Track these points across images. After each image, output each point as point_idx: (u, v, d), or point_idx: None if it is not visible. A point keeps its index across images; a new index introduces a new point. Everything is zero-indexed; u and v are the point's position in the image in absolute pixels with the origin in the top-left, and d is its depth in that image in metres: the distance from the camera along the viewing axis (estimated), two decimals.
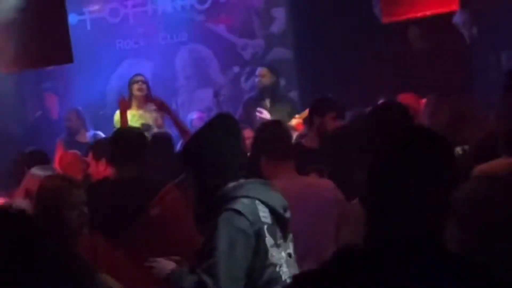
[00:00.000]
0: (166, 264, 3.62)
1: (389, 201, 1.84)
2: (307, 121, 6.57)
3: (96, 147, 6.31)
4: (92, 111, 9.99)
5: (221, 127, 3.61)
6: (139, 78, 8.62)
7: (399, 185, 1.83)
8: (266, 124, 5.34)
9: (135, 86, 8.48)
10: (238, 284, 3.41)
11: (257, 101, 9.06)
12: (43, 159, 6.76)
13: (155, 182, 4.66)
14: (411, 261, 1.79)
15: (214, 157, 3.54)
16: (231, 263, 3.38)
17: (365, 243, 1.88)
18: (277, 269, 3.51)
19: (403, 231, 1.82)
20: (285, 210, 3.63)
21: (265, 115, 8.38)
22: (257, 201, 3.51)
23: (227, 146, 3.56)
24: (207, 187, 3.54)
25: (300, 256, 4.36)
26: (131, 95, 8.47)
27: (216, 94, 9.08)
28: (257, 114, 8.48)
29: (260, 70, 9.24)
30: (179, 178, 4.54)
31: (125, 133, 5.03)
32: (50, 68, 9.78)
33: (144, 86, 8.51)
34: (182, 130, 6.52)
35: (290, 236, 3.67)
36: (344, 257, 1.86)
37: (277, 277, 3.50)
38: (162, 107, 7.26)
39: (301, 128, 7.63)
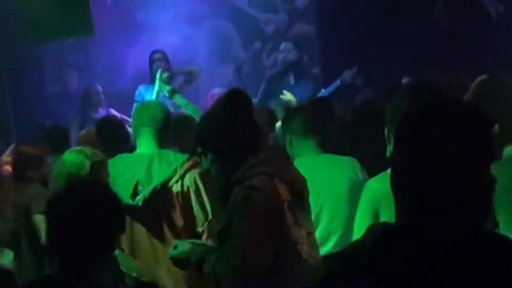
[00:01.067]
0: (182, 247, 3.57)
1: (424, 178, 1.78)
2: None
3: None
4: (112, 85, 9.96)
5: (231, 104, 3.54)
6: (156, 56, 8.57)
7: (435, 162, 1.77)
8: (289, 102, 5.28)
9: (154, 65, 8.45)
10: (265, 263, 3.35)
11: (280, 77, 8.97)
12: (63, 134, 6.75)
13: (177, 157, 4.60)
14: (451, 240, 1.75)
15: (227, 135, 3.47)
16: (257, 242, 3.32)
17: (399, 221, 1.82)
18: (298, 247, 3.45)
19: (440, 209, 1.77)
20: (304, 187, 3.56)
21: (289, 97, 8.25)
22: (276, 178, 3.44)
23: (239, 123, 3.50)
24: (226, 165, 3.48)
25: (321, 235, 4.34)
26: (151, 72, 8.43)
27: (237, 70, 9.00)
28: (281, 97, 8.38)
29: (285, 45, 9.12)
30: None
31: (148, 107, 4.95)
32: (71, 41, 9.77)
33: (162, 64, 8.46)
34: None
35: (310, 214, 3.61)
36: (382, 235, 1.81)
37: (297, 256, 3.44)
38: None
39: None
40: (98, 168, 3.86)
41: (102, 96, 9.20)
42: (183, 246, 3.57)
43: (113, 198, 2.85)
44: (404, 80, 7.49)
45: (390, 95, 5.09)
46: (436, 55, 8.75)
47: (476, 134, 1.79)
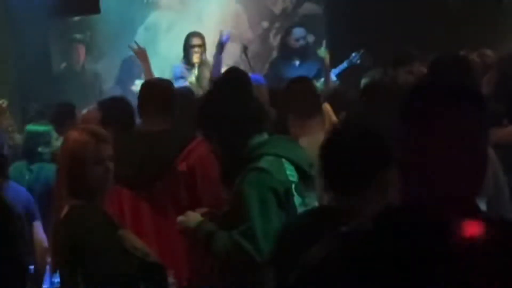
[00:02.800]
0: (193, 217, 3.54)
1: (430, 157, 1.79)
2: None
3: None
4: (119, 63, 9.91)
5: (230, 83, 3.51)
6: (196, 41, 8.56)
7: (439, 141, 1.78)
8: (292, 81, 5.24)
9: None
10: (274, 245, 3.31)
11: (286, 61, 8.93)
12: (69, 111, 6.73)
13: (183, 135, 4.56)
14: (452, 219, 1.74)
15: (229, 115, 3.43)
16: (266, 224, 3.30)
17: (404, 202, 1.82)
18: None
19: (443, 189, 1.78)
20: (310, 167, 3.52)
21: None
22: (283, 159, 3.41)
23: (239, 101, 3.46)
24: (231, 145, 3.44)
25: None
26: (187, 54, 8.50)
27: (244, 49, 8.94)
28: None
29: (299, 31, 9.03)
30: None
31: (155, 85, 4.92)
32: (77, 19, 9.72)
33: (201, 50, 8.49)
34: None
35: (316, 194, 3.57)
36: (383, 215, 1.79)
37: None
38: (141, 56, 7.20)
39: None
40: (103, 147, 3.81)
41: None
42: (194, 217, 3.55)
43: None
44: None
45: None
46: (445, 35, 8.70)
47: (473, 114, 1.81)
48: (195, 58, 8.45)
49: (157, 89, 4.72)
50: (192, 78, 8.13)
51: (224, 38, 7.75)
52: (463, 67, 3.75)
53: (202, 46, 8.56)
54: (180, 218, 3.58)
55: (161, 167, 4.41)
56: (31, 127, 5.97)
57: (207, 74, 8.19)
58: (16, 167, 5.62)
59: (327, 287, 1.74)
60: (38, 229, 4.83)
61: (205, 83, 7.81)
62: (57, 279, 4.29)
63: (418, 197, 1.79)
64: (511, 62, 4.93)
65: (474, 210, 1.80)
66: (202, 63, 8.42)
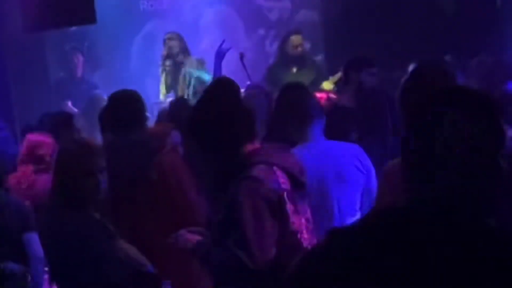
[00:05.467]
0: (190, 236, 3.54)
1: (433, 161, 1.82)
2: (342, 79, 6.54)
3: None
4: (116, 73, 9.93)
5: (220, 92, 3.51)
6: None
7: (444, 146, 1.81)
8: (289, 87, 5.24)
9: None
10: (270, 253, 3.32)
11: (282, 68, 8.94)
12: (66, 120, 6.73)
13: (153, 145, 4.57)
14: (449, 224, 1.76)
15: (219, 123, 3.43)
16: (260, 233, 3.29)
17: (405, 203, 1.85)
18: (298, 236, 3.42)
19: (444, 193, 1.81)
20: (302, 175, 3.53)
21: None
22: (275, 167, 3.41)
23: (230, 110, 3.46)
24: (222, 154, 3.43)
25: (322, 222, 4.31)
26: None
27: (241, 57, 8.94)
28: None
29: (296, 38, 9.06)
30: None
31: (123, 96, 4.93)
32: (73, 29, 9.72)
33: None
34: None
35: (308, 201, 3.58)
36: (383, 215, 1.81)
37: (298, 245, 3.41)
38: None
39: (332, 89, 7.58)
40: (95, 159, 3.85)
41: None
42: (187, 236, 3.54)
43: None
44: (411, 66, 7.47)
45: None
46: (440, 40, 8.70)
47: (487, 122, 1.82)
48: (164, 50, 8.74)
49: (126, 100, 4.75)
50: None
51: (224, 47, 7.79)
52: (444, 76, 3.76)
53: (174, 40, 8.68)
54: (173, 240, 3.57)
55: (133, 177, 4.41)
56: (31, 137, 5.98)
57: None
58: None
59: (323, 283, 1.74)
60: (35, 240, 4.83)
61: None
62: None
63: (422, 197, 1.82)
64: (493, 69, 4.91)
65: (476, 214, 1.81)
66: (176, 56, 8.54)
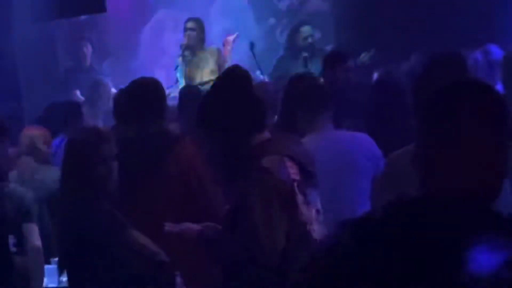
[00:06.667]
0: (192, 225, 3.52)
1: (446, 151, 1.83)
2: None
3: None
4: (125, 62, 9.92)
5: (230, 82, 3.47)
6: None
7: (456, 136, 1.83)
8: (298, 77, 5.22)
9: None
10: (279, 245, 3.30)
11: (293, 58, 8.93)
12: (75, 110, 6.72)
13: (171, 137, 4.50)
14: (466, 213, 1.77)
15: (230, 113, 3.40)
16: (270, 225, 3.27)
17: (421, 194, 1.85)
18: (307, 227, 3.39)
19: (460, 183, 1.82)
20: (312, 165, 3.50)
21: None
22: (285, 158, 3.38)
23: (240, 99, 3.43)
24: (232, 144, 3.41)
25: (332, 212, 4.28)
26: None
27: (251, 47, 8.93)
28: None
29: (307, 29, 9.04)
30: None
31: (143, 86, 4.75)
32: (83, 18, 9.72)
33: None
34: None
35: (318, 191, 3.55)
36: (398, 206, 1.81)
37: (308, 236, 3.38)
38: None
39: None
40: (106, 147, 3.83)
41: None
42: (194, 226, 3.53)
43: None
44: (413, 58, 7.48)
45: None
46: (452, 33, 8.67)
47: (502, 113, 1.86)
48: (186, 40, 8.63)
49: (145, 90, 4.58)
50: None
51: (232, 36, 7.78)
52: (459, 66, 3.74)
53: (195, 30, 8.61)
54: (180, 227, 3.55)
55: (149, 169, 4.34)
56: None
57: (209, 61, 8.28)
58: None
59: (335, 274, 1.74)
60: (34, 230, 4.81)
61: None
62: (64, 278, 4.31)
63: (435, 190, 1.83)
64: None
65: (487, 207, 1.82)
66: (198, 47, 8.50)
